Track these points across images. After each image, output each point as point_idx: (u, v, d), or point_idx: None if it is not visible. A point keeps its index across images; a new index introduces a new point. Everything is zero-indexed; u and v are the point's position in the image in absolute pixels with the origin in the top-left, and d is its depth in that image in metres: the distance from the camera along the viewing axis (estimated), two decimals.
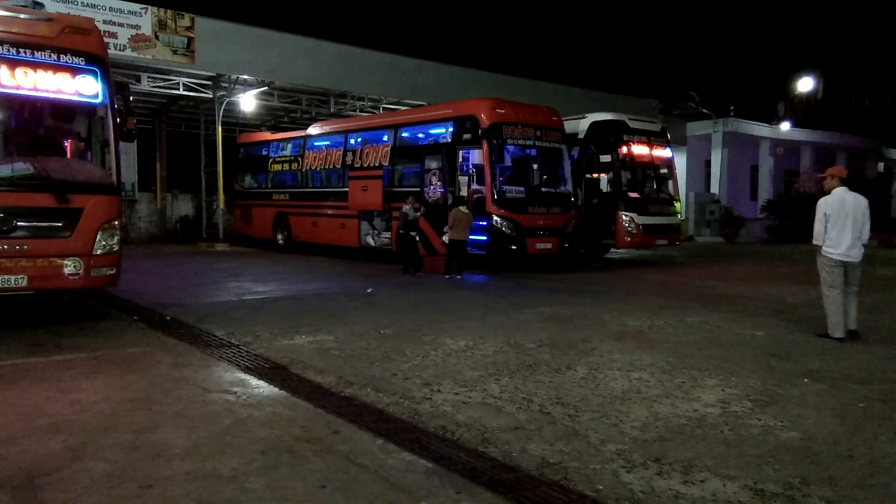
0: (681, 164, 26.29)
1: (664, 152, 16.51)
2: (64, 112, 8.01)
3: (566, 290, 11.02)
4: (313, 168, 17.70)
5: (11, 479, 3.38)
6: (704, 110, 30.00)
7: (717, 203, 28.14)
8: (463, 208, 12.37)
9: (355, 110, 22.75)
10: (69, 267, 7.02)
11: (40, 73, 6.99)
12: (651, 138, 16.16)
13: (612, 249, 16.78)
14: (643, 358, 6.26)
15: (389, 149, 15.23)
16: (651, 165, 16.21)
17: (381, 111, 22.24)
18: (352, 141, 16.54)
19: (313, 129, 18.24)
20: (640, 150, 15.76)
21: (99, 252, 7.18)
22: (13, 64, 6.84)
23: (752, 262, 17.29)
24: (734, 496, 3.38)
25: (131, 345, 6.62)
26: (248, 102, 20.74)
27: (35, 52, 6.99)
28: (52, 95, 7.21)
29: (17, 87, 6.91)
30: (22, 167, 6.99)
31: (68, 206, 6.97)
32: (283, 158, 18.94)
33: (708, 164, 31.55)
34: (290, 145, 18.83)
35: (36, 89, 7.02)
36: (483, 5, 64.39)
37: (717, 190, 29.54)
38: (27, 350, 6.25)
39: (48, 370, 5.55)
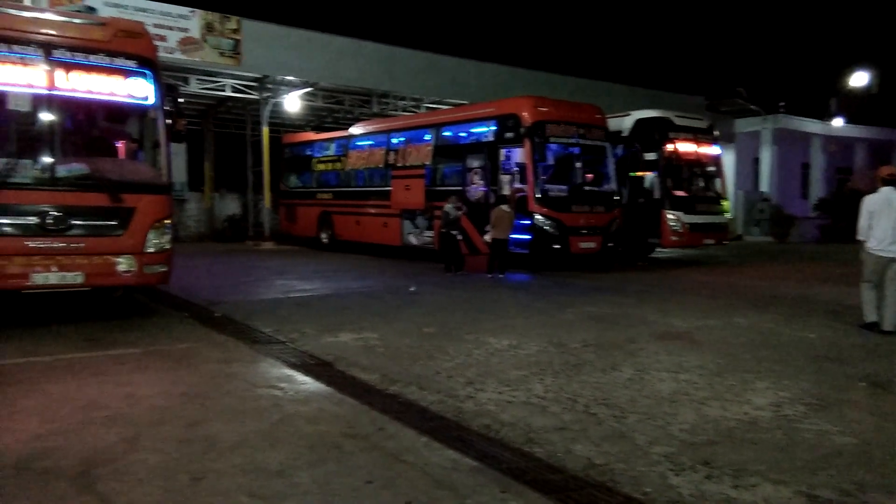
0: (728, 161, 25.75)
1: (711, 149, 16.19)
2: (117, 114, 8.26)
3: (610, 290, 10.89)
4: (356, 167, 17.86)
5: (70, 469, 3.50)
6: (753, 107, 29.26)
7: (766, 201, 27.45)
8: (505, 207, 12.33)
9: (397, 110, 22.89)
10: (122, 264, 7.23)
11: (94, 76, 7.21)
12: (697, 135, 15.87)
13: (657, 249, 16.53)
14: (691, 359, 6.14)
15: (431, 148, 15.28)
16: (698, 163, 15.91)
17: (423, 110, 22.34)
18: (394, 140, 16.64)
19: (356, 129, 18.41)
20: (686, 147, 15.49)
21: (151, 250, 7.38)
22: (69, 67, 7.07)
23: (803, 263, 16.82)
24: (787, 502, 3.29)
25: (182, 340, 6.78)
26: (292, 103, 21.05)
27: (89, 55, 7.21)
28: (105, 98, 7.43)
29: (73, 90, 7.13)
30: (78, 168, 7.22)
31: (122, 205, 7.18)
32: (327, 158, 19.16)
33: (757, 161, 30.80)
34: (333, 145, 19.05)
35: (90, 92, 7.25)
36: (525, 2, 64.08)
37: (766, 188, 28.81)
38: (84, 344, 6.45)
39: (104, 364, 5.73)
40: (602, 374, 5.59)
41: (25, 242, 6.73)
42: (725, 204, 16.41)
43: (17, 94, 6.89)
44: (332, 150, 19.06)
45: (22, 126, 7.28)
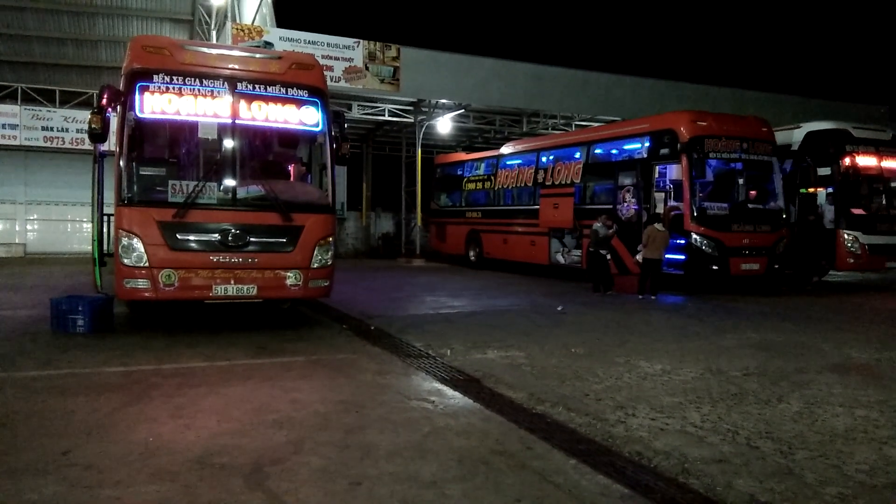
0: None
1: (895, 163, 14.64)
2: (289, 139, 8.97)
3: (776, 315, 10.13)
4: (505, 186, 18.05)
5: (244, 466, 3.83)
6: None
7: None
8: (658, 225, 11.89)
9: (547, 128, 22.88)
10: (291, 278, 7.81)
11: (272, 105, 7.90)
12: (879, 148, 14.42)
13: (830, 272, 15.15)
14: (870, 394, 5.57)
15: (581, 166, 15.10)
16: (879, 178, 14.44)
17: (573, 128, 22.15)
18: (543, 159, 16.63)
19: (506, 149, 18.62)
20: (865, 161, 14.12)
21: (316, 265, 7.91)
22: (250, 98, 7.81)
23: None
24: None
25: (341, 351, 7.20)
26: (444, 125, 21.73)
27: (268, 87, 7.91)
28: (280, 125, 8.10)
29: (253, 119, 7.86)
30: (255, 189, 7.93)
31: (291, 223, 7.78)
32: (477, 177, 19.53)
33: None
34: (483, 165, 19.38)
35: (267, 120, 7.94)
36: (681, 14, 61.64)
37: None
38: (255, 352, 7.04)
39: (273, 370, 6.22)
40: (766, 406, 5.21)
41: (210, 257, 7.48)
42: None
43: (206, 123, 7.71)
44: (481, 169, 19.41)
45: (208, 152, 8.12)
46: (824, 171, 14.01)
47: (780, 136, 14.07)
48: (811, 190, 14.53)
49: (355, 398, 5.27)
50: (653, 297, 11.85)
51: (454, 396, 5.40)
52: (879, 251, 13.83)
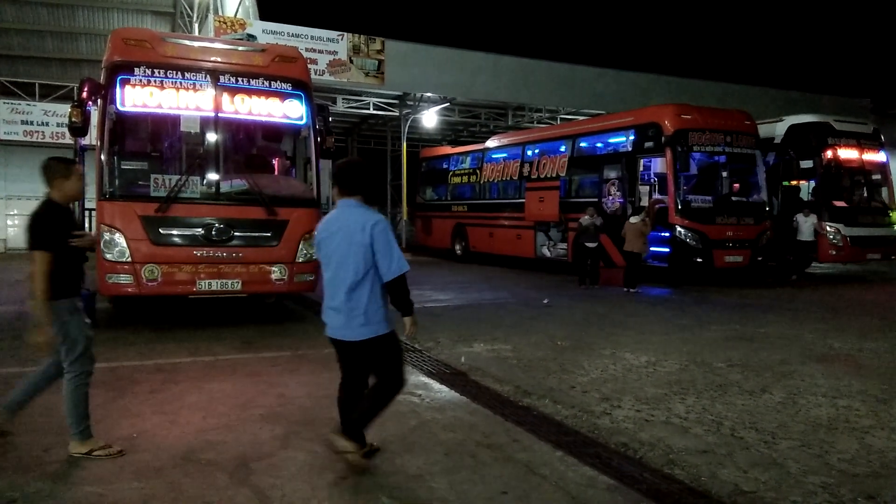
0: None
1: (876, 156, 14.82)
2: (273, 133, 8.91)
3: (760, 307, 10.22)
4: (490, 180, 18.05)
5: (229, 462, 3.80)
6: None
7: None
8: (634, 219, 11.89)
9: (533, 122, 22.90)
10: (276, 273, 7.77)
11: (255, 98, 7.84)
12: (861, 141, 14.59)
13: (813, 264, 15.31)
14: (852, 384, 5.64)
15: (567, 159, 15.13)
16: (861, 171, 14.62)
17: (559, 122, 22.18)
18: (529, 152, 16.65)
19: (491, 142, 18.62)
20: (847, 154, 14.29)
21: (301, 260, 7.87)
22: (233, 91, 7.74)
23: None
24: None
25: (327, 345, 7.09)
26: (430, 119, 21.68)
27: (251, 80, 7.85)
28: (264, 119, 8.05)
29: (236, 112, 7.80)
30: (239, 183, 7.86)
31: (276, 218, 7.73)
32: (462, 171, 19.51)
33: None
34: (468, 158, 19.37)
35: (251, 113, 7.88)
36: (666, 8, 61.87)
37: None
38: (241, 346, 6.99)
39: (258, 365, 6.18)
40: (750, 397, 5.26)
41: (193, 252, 7.41)
42: (894, 215, 14.90)
43: (188, 116, 7.63)
44: (467, 163, 19.40)
45: (191, 146, 8.04)
46: (807, 163, 14.14)
47: (764, 130, 14.18)
48: (794, 183, 14.65)
49: None
50: (627, 291, 11.83)
51: (441, 390, 5.39)
52: (861, 243, 13.99)
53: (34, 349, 3.77)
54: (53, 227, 3.76)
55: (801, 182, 14.81)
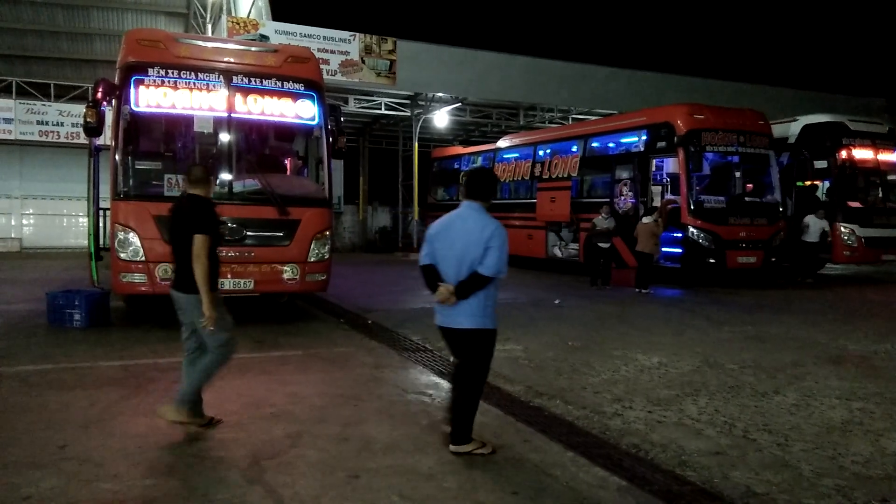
0: None
1: (892, 156, 14.68)
2: (286, 133, 8.94)
3: (773, 308, 10.15)
4: (502, 180, 18.01)
5: (242, 459, 3.83)
6: None
7: None
8: (647, 219, 11.85)
9: (544, 122, 22.85)
10: (288, 272, 7.80)
11: (268, 99, 7.87)
12: (876, 141, 14.46)
13: (827, 265, 15.19)
14: (867, 386, 5.59)
15: (578, 159, 15.10)
16: (876, 171, 14.49)
17: (570, 122, 22.12)
18: (540, 152, 16.63)
19: (503, 142, 18.60)
20: (862, 154, 14.16)
21: (313, 259, 7.90)
22: (246, 92, 7.77)
23: None
24: None
25: (338, 345, 7.19)
26: (441, 119, 21.68)
27: (264, 80, 7.89)
28: (276, 119, 8.08)
29: (249, 113, 7.83)
30: (251, 184, 7.90)
31: (288, 217, 7.76)
32: None
33: None
34: (480, 158, 19.36)
35: (263, 113, 7.92)
36: (679, 7, 61.53)
37: None
38: (252, 346, 7.02)
39: (269, 364, 6.21)
40: (763, 398, 5.23)
41: None
42: None
43: (202, 116, 7.67)
44: (478, 163, 19.37)
45: (204, 146, 8.09)
46: (821, 163, 14.04)
47: (777, 129, 14.08)
48: (808, 183, 14.54)
49: (353, 392, 5.27)
50: (639, 291, 11.79)
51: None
52: (876, 244, 13.88)
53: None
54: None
55: (815, 182, 14.68)
